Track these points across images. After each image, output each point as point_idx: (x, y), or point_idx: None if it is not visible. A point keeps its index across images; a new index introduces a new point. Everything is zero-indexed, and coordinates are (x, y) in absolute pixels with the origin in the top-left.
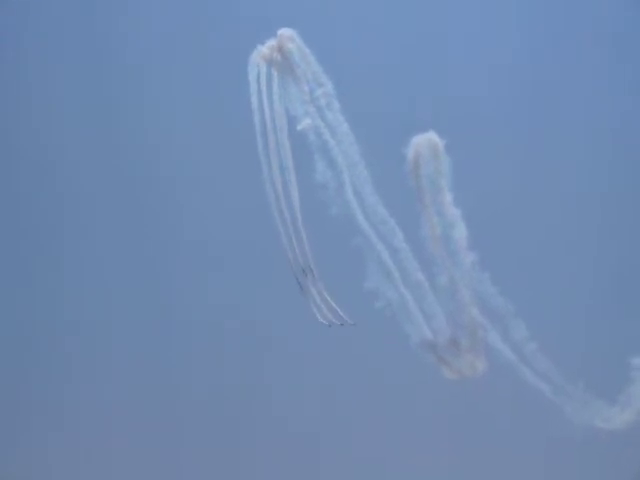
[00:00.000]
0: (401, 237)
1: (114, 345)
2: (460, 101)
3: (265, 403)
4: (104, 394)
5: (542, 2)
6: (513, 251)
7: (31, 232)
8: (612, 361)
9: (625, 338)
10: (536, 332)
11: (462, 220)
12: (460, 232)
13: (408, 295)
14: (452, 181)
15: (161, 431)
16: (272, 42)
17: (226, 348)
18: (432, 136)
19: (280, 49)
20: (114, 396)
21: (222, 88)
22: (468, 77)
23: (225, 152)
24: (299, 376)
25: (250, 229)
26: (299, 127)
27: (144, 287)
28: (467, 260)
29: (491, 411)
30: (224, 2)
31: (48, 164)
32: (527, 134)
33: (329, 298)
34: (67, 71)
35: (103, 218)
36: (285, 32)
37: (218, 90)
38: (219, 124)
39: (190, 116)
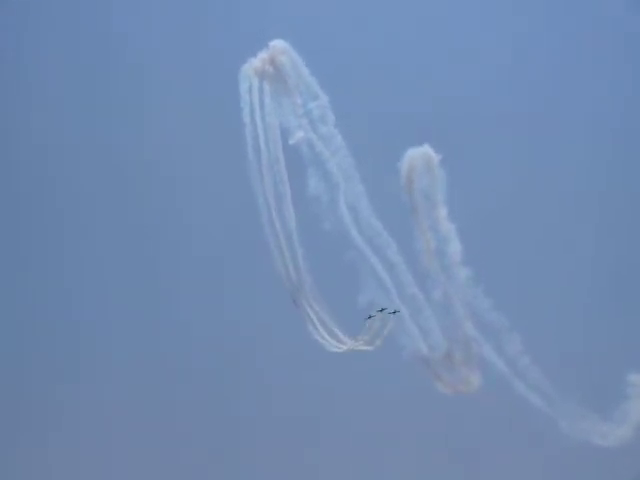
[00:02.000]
0: (395, 251)
1: (113, 351)
2: (455, 115)
3: (264, 409)
4: (103, 395)
5: (539, 10)
6: (507, 266)
7: (32, 235)
8: (608, 376)
9: (621, 353)
10: (531, 346)
11: (456, 235)
12: (454, 247)
13: (403, 309)
14: (447, 195)
15: (158, 435)
16: (264, 54)
17: (224, 360)
18: (427, 150)
19: (272, 61)
20: (112, 398)
21: (214, 100)
22: (463, 93)
23: (217, 165)
24: (295, 389)
25: (243, 242)
26: (291, 141)
27: (141, 299)
28: (461, 275)
29: (486, 425)
30: (214, 15)
31: (47, 169)
32: (522, 150)
33: (324, 317)
34: (67, 83)
35: (101, 239)
36: (277, 44)
37: (210, 103)
38: (211, 137)
39: (181, 132)
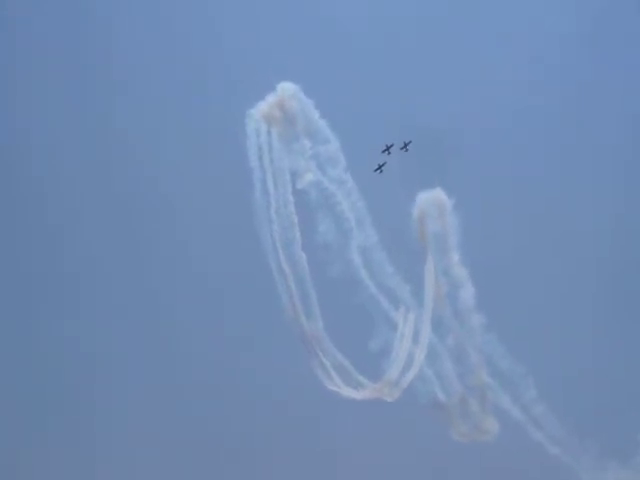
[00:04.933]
0: (408, 295)
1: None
2: (468, 159)
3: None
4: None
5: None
6: (521, 311)
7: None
8: (625, 422)
9: (638, 399)
10: (546, 392)
11: (469, 280)
12: (467, 292)
13: (416, 354)
14: (459, 240)
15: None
16: (272, 97)
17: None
18: (439, 194)
19: (280, 105)
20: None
21: (221, 144)
22: (475, 136)
23: (224, 210)
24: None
25: (250, 289)
26: (300, 184)
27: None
28: (474, 321)
29: (502, 475)
30: (221, 57)
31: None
32: (535, 194)
33: (338, 362)
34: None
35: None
36: (285, 86)
37: (216, 147)
38: (217, 181)
39: (187, 176)
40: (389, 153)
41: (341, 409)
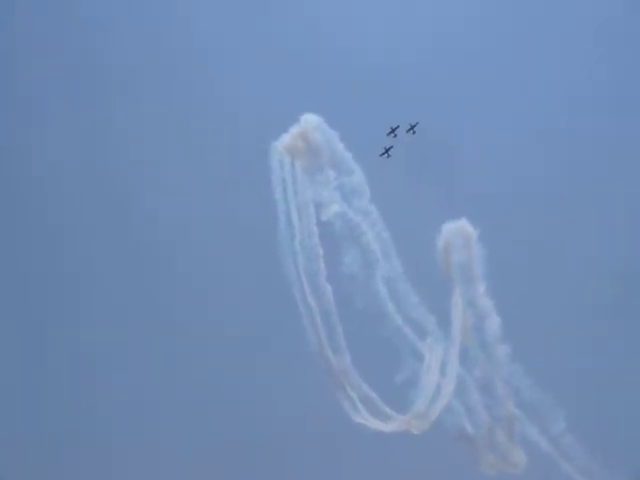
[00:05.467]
0: (434, 326)
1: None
2: (494, 191)
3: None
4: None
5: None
6: (547, 342)
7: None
8: None
9: None
10: (574, 423)
11: (495, 311)
12: (493, 323)
13: (444, 385)
14: (485, 270)
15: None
16: (295, 130)
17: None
18: (464, 224)
19: (304, 137)
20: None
21: (245, 177)
22: (499, 167)
23: (248, 244)
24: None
25: (274, 321)
26: (324, 216)
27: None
28: (501, 352)
29: None
30: (245, 91)
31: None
32: (561, 223)
33: (366, 395)
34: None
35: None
36: (309, 118)
37: (240, 179)
38: (241, 215)
39: (213, 208)
40: (395, 135)
41: (368, 441)
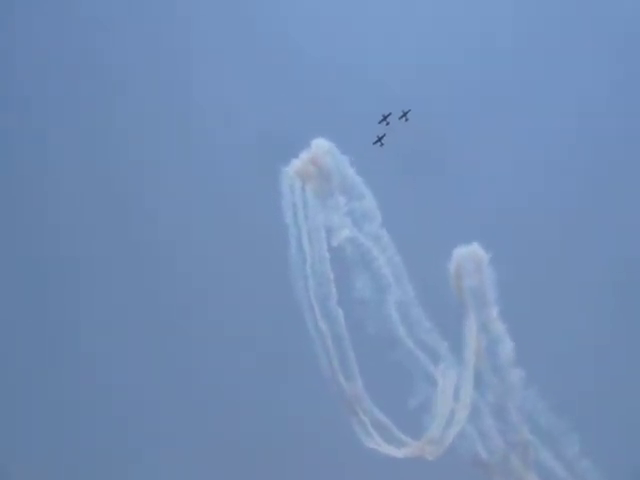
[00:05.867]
0: (447, 351)
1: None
2: (505, 212)
3: None
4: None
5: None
6: (561, 366)
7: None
8: None
9: None
10: (590, 448)
11: (507, 334)
12: (506, 347)
13: (458, 410)
14: (497, 294)
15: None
16: (306, 155)
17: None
18: (475, 248)
19: (315, 162)
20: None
21: (255, 203)
22: (511, 188)
23: (258, 269)
24: None
25: (286, 347)
26: (335, 241)
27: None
28: (514, 376)
29: None
30: (254, 116)
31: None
32: (574, 244)
33: (378, 420)
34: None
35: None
36: (319, 143)
37: (252, 205)
38: (253, 239)
39: (223, 234)
40: (387, 123)
41: (381, 467)
